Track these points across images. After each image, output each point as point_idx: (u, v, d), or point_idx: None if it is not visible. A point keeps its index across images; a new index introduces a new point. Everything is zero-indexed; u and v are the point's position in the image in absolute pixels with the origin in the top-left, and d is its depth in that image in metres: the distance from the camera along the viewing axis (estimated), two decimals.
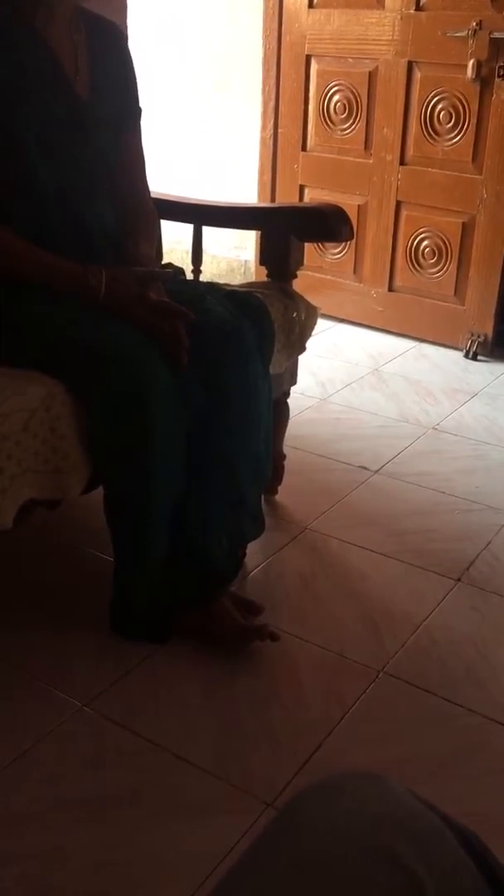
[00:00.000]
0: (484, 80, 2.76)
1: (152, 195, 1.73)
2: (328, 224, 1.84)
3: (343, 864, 0.48)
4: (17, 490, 1.31)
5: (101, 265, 1.45)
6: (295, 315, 1.83)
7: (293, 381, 2.01)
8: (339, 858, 0.48)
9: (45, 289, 1.44)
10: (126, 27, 2.15)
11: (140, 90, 1.65)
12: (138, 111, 1.66)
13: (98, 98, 1.54)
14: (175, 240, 2.22)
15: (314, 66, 3.14)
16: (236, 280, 3.52)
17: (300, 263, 1.93)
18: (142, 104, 1.66)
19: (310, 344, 1.94)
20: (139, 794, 1.23)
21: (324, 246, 3.25)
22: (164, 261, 1.90)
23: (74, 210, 1.51)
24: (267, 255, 1.92)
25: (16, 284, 1.45)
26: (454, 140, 2.89)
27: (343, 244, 3.19)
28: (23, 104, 1.43)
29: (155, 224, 1.73)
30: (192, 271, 1.97)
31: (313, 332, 1.94)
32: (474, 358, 3.01)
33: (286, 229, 1.86)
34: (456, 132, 2.87)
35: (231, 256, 3.66)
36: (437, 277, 3.06)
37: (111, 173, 1.59)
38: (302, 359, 1.97)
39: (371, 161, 3.09)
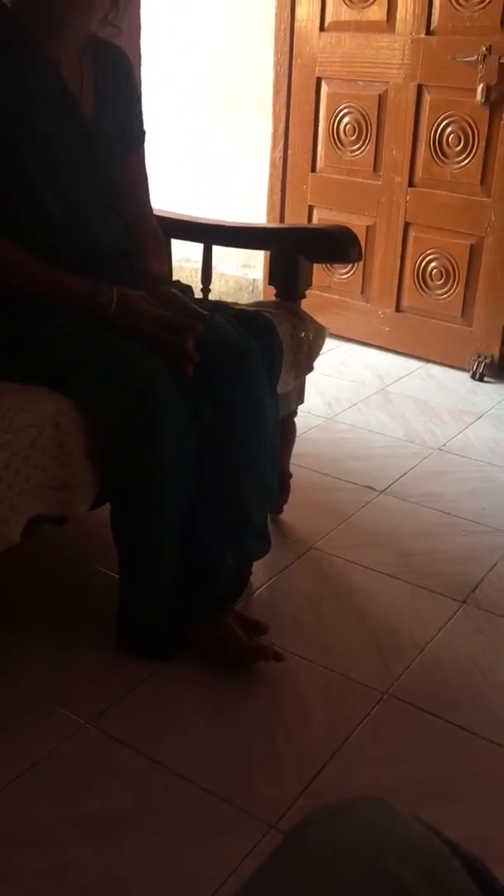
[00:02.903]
0: (493, 105, 2.78)
1: (163, 214, 1.74)
2: (337, 245, 1.84)
3: (347, 891, 0.47)
4: (25, 506, 1.32)
5: (111, 282, 1.45)
6: (303, 335, 1.83)
7: (300, 400, 2.01)
8: (343, 885, 0.48)
9: (50, 304, 1.45)
10: (139, 49, 2.18)
11: (152, 111, 1.67)
12: (142, 133, 1.67)
13: (102, 119, 1.56)
14: (184, 258, 2.24)
15: (325, 89, 3.17)
16: (244, 298, 3.53)
17: (309, 283, 1.94)
18: (149, 126, 1.67)
19: (317, 363, 1.95)
20: (142, 814, 1.23)
21: (332, 266, 3.27)
22: (173, 279, 1.91)
23: (83, 228, 1.51)
24: (276, 275, 1.93)
25: (22, 300, 1.45)
26: (463, 163, 2.90)
27: (351, 265, 3.20)
28: (28, 124, 1.44)
29: (162, 243, 1.73)
30: (202, 290, 1.98)
31: (321, 352, 1.95)
32: (481, 379, 3.02)
33: (295, 250, 1.88)
34: (465, 155, 2.89)
35: (239, 274, 3.68)
36: (445, 298, 3.07)
37: (117, 193, 1.61)
38: (309, 378, 1.98)
39: (380, 183, 3.11)
